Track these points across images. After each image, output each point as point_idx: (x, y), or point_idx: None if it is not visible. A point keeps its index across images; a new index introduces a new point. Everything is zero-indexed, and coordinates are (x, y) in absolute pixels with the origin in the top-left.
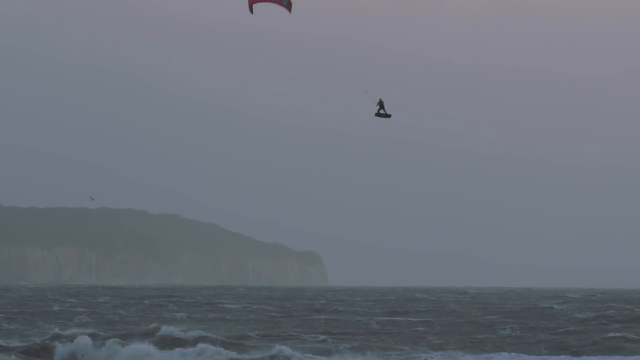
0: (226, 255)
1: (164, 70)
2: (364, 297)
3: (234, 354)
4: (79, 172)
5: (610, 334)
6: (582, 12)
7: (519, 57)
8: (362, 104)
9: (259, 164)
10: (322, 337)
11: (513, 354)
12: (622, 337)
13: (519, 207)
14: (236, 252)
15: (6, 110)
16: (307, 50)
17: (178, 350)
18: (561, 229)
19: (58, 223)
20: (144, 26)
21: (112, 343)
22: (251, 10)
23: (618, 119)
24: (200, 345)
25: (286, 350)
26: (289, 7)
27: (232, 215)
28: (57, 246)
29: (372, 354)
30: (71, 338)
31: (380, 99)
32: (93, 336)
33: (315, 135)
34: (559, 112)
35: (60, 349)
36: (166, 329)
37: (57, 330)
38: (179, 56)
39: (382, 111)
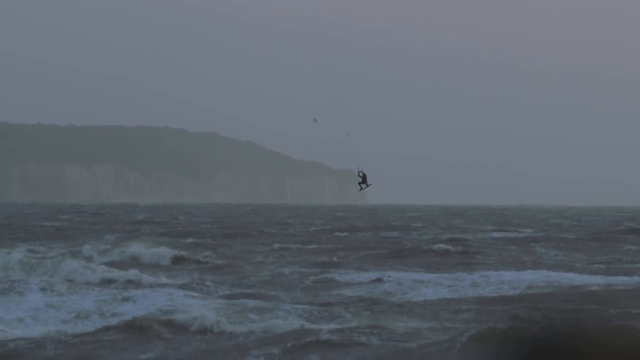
0: (264, 173)
1: None
2: (397, 213)
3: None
4: (117, 90)
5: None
6: None
7: None
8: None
9: (296, 80)
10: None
11: (513, 271)
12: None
13: (573, 119)
14: (274, 170)
15: (45, 29)
16: None
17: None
18: (614, 141)
19: (96, 141)
20: None
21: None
22: None
23: None
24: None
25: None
26: None
27: (269, 134)
28: (96, 164)
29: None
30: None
31: (363, 172)
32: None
33: (356, 49)
34: (597, 24)
35: None
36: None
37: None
38: None
39: (363, 185)
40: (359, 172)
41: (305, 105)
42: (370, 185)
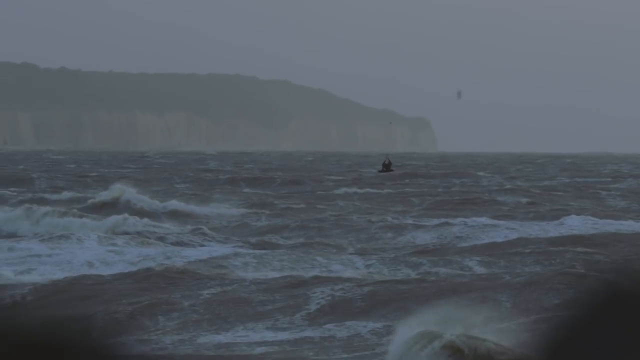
0: (336, 121)
1: None
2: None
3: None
4: (188, 39)
5: None
6: None
7: None
8: None
9: (368, 26)
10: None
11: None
12: None
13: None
14: (346, 118)
15: None
16: None
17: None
18: None
19: (168, 89)
20: None
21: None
22: None
23: None
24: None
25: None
26: None
27: (341, 81)
28: (167, 112)
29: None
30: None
31: (388, 160)
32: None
33: None
34: None
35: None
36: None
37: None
38: None
39: (385, 170)
40: (385, 159)
41: (377, 51)
42: (393, 171)
